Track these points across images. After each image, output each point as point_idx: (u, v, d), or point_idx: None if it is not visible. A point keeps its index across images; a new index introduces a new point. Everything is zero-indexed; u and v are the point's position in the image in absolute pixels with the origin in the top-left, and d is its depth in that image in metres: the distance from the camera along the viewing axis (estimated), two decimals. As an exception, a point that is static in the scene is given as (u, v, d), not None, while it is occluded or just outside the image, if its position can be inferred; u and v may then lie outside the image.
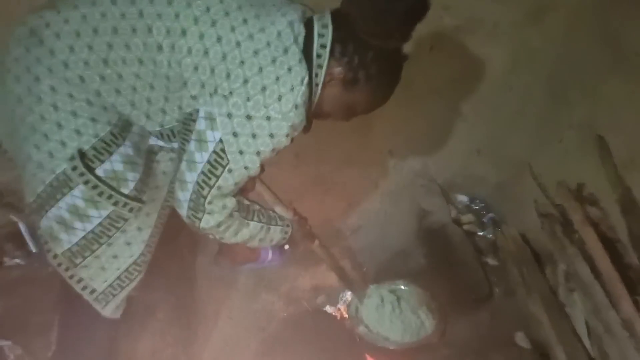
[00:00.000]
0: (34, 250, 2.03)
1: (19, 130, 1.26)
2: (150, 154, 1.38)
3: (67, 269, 1.35)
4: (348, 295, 2.19)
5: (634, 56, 1.83)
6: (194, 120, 1.24)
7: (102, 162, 1.25)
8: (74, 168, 1.22)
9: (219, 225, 1.35)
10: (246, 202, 1.43)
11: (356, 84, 1.30)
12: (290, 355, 1.83)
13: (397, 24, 1.21)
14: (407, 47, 1.93)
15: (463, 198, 2.58)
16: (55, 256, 1.33)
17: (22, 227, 2.07)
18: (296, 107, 1.22)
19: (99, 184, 1.24)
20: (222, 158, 1.24)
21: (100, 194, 1.25)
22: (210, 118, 1.22)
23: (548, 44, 2.21)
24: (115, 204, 1.27)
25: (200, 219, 1.32)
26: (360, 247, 2.38)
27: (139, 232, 1.37)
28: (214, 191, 1.28)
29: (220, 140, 1.23)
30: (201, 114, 1.23)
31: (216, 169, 1.25)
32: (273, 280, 2.21)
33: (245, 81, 1.19)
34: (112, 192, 1.26)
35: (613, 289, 1.67)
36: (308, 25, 1.26)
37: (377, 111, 1.88)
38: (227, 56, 1.20)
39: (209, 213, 1.31)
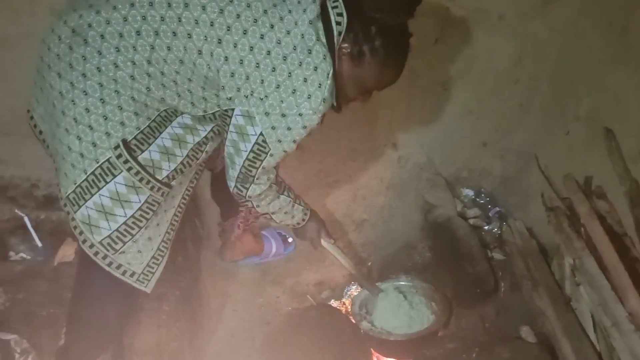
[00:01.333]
0: (39, 245, 2.03)
1: (59, 124, 1.34)
2: (201, 144, 1.49)
3: (104, 257, 1.41)
4: (353, 289, 2.19)
5: (641, 48, 1.82)
6: (230, 117, 1.39)
7: (143, 151, 1.36)
8: (119, 156, 1.32)
9: (260, 194, 1.52)
10: (279, 178, 1.60)
11: (362, 58, 1.37)
12: (294, 349, 1.83)
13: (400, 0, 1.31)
14: (412, 40, 1.92)
15: (469, 192, 2.57)
16: (91, 246, 1.39)
17: (27, 221, 2.07)
18: (324, 100, 1.35)
19: (140, 170, 1.34)
20: (264, 147, 1.40)
21: (141, 180, 1.35)
22: (249, 116, 1.37)
23: (554, 35, 2.19)
24: (152, 188, 1.38)
25: (247, 189, 1.50)
26: (365, 240, 2.38)
27: (165, 213, 1.48)
28: (260, 170, 1.45)
29: (261, 134, 1.38)
30: (237, 112, 1.38)
31: (260, 155, 1.42)
32: (278, 274, 2.22)
33: (278, 86, 1.34)
34: (150, 178, 1.36)
35: (620, 282, 1.66)
36: (323, 9, 1.34)
37: (382, 103, 1.86)
38: (260, 64, 1.33)
39: (256, 184, 1.49)
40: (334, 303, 2.15)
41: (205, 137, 1.49)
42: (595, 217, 1.83)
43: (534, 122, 2.39)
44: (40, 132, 1.47)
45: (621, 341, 1.60)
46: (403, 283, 2.06)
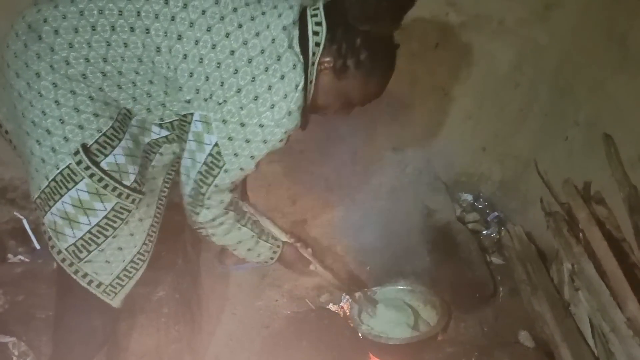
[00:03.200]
0: (37, 247, 2.03)
1: (21, 126, 1.27)
2: (153, 147, 1.40)
3: (71, 265, 1.35)
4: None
5: (641, 54, 1.82)
6: (189, 123, 1.28)
7: (106, 155, 1.26)
8: (79, 162, 1.23)
9: (214, 219, 1.41)
10: (245, 208, 1.50)
11: (346, 71, 1.29)
12: (293, 353, 1.83)
13: (386, 8, 1.20)
14: (412, 45, 1.93)
15: (468, 196, 2.58)
16: (59, 252, 1.34)
17: (26, 224, 2.07)
18: (289, 113, 1.25)
19: (104, 176, 1.25)
20: (218, 160, 1.29)
21: (106, 187, 1.26)
22: (206, 122, 1.26)
23: (554, 41, 2.20)
24: (119, 195, 1.28)
25: (198, 213, 1.39)
26: (364, 245, 2.37)
27: (140, 222, 1.38)
28: (211, 188, 1.34)
29: (216, 144, 1.27)
30: (196, 117, 1.27)
31: (212, 169, 1.31)
32: (277, 277, 2.21)
33: (239, 90, 1.22)
34: (116, 185, 1.27)
35: (618, 288, 1.65)
36: (302, 17, 1.26)
37: (382, 108, 1.85)
38: (222, 64, 1.21)
39: (207, 207, 1.38)
40: (332, 307, 2.15)
41: (157, 139, 1.39)
42: (594, 222, 1.83)
43: (533, 127, 2.40)
44: (7, 132, 1.38)
45: (619, 347, 1.59)
46: (402, 287, 2.07)
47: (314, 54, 1.26)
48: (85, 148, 1.24)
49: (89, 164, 1.23)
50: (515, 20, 2.17)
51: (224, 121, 1.24)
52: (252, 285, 2.19)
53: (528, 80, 2.31)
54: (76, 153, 1.23)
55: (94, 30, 1.21)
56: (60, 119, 1.23)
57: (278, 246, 1.65)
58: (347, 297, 2.15)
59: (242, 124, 1.24)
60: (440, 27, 2.16)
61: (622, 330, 1.60)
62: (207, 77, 1.23)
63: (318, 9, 1.26)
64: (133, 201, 1.32)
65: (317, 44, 1.25)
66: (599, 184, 1.98)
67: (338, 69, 1.28)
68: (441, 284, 2.09)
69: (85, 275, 1.36)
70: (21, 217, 2.08)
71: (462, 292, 2.07)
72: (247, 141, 1.26)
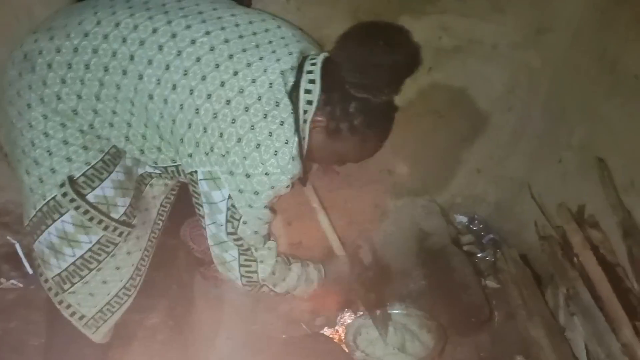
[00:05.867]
0: (30, 272, 2.01)
1: (14, 152, 1.27)
2: (144, 178, 1.38)
3: (56, 294, 1.35)
4: (346, 317, 2.18)
5: (633, 79, 1.84)
6: (197, 182, 1.23)
7: (93, 188, 1.24)
8: (65, 194, 1.22)
9: (273, 272, 1.36)
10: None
11: (339, 133, 1.24)
12: (288, 379, 1.81)
13: (385, 79, 1.16)
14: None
15: (463, 218, 2.58)
16: (46, 280, 1.34)
17: (19, 248, 2.05)
18: (293, 158, 1.20)
19: (90, 209, 1.24)
20: (235, 212, 1.24)
21: (91, 219, 1.25)
22: (212, 177, 1.20)
23: (547, 65, 2.22)
24: (106, 228, 1.27)
25: (256, 271, 1.34)
26: (359, 268, 2.36)
27: (128, 256, 1.36)
28: (252, 237, 1.29)
29: (230, 197, 1.21)
30: (200, 176, 1.22)
31: (235, 227, 1.26)
32: (272, 301, 2.20)
33: (239, 139, 1.17)
34: (103, 217, 1.25)
35: (613, 313, 1.65)
36: (301, 65, 1.22)
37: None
38: (218, 115, 1.16)
39: (261, 261, 1.33)
40: (327, 331, 2.14)
41: (150, 173, 1.37)
42: (589, 246, 1.84)
43: (527, 149, 2.41)
44: (6, 155, 1.37)
45: (615, 373, 1.59)
46: (397, 312, 2.05)
47: (305, 111, 1.21)
48: (72, 180, 1.22)
49: (74, 196, 1.22)
50: (508, 44, 2.18)
51: (231, 173, 1.19)
52: (247, 309, 2.17)
53: (521, 103, 2.33)
54: (62, 185, 1.22)
55: (87, 68, 1.19)
56: (48, 151, 1.21)
57: (318, 264, 1.58)
58: (342, 317, 2.14)
59: (248, 175, 1.19)
60: (433, 51, 2.18)
61: (617, 356, 1.59)
62: (205, 128, 1.17)
63: (315, 64, 1.21)
64: (120, 234, 1.30)
65: (309, 102, 1.20)
66: (593, 208, 1.99)
67: (330, 130, 1.24)
68: (437, 307, 2.08)
69: (69, 306, 1.35)
70: (14, 241, 2.07)
71: (458, 316, 2.06)
72: (256, 193, 1.21)
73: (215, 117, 1.17)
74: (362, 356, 1.90)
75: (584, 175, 2.04)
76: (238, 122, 1.16)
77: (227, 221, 1.25)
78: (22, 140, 1.23)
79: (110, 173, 1.26)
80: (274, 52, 1.21)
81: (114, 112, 1.22)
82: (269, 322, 2.14)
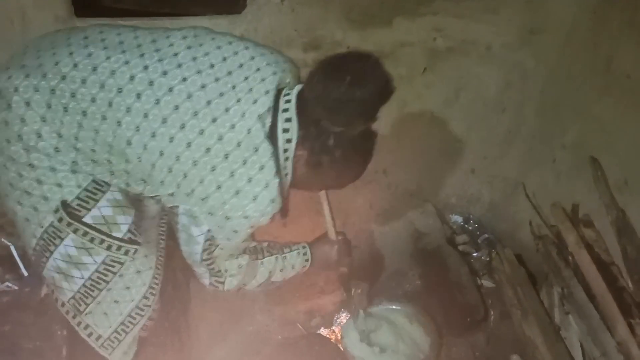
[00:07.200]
0: (25, 274, 2.00)
1: (0, 186, 1.25)
2: (139, 200, 1.37)
3: (74, 317, 1.35)
4: (343, 317, 2.18)
5: (625, 78, 1.85)
6: (177, 214, 1.26)
7: (89, 209, 1.23)
8: (60, 219, 1.22)
9: (239, 283, 1.42)
10: (253, 244, 1.46)
11: (320, 166, 1.26)
12: (284, 380, 1.81)
13: (357, 112, 1.16)
14: (400, 69, 1.94)
15: (457, 218, 2.59)
16: (62, 304, 1.34)
17: (14, 250, 2.05)
18: (272, 201, 1.22)
19: (89, 230, 1.23)
20: (213, 243, 1.28)
21: (92, 240, 1.24)
22: (192, 215, 1.23)
23: (540, 65, 2.23)
24: (109, 248, 1.26)
25: (223, 283, 1.40)
26: (355, 268, 2.36)
27: (137, 275, 1.36)
28: (225, 263, 1.35)
29: (209, 230, 1.24)
30: (181, 210, 1.24)
31: (212, 252, 1.30)
32: (268, 302, 2.20)
33: (219, 187, 1.18)
34: (104, 237, 1.25)
35: (608, 312, 1.66)
36: (275, 109, 1.21)
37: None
38: (198, 162, 1.17)
39: (230, 276, 1.39)
40: (323, 331, 2.14)
41: (139, 196, 1.34)
42: (583, 245, 1.85)
43: (521, 149, 2.42)
44: None
45: (611, 371, 1.60)
46: (395, 307, 2.05)
47: (285, 150, 1.22)
48: (65, 204, 1.21)
49: (70, 220, 1.21)
50: (502, 45, 2.19)
51: (210, 213, 1.21)
52: (243, 310, 2.17)
53: (515, 104, 2.34)
54: (56, 211, 1.21)
55: (65, 111, 1.17)
56: (37, 180, 1.20)
57: (304, 247, 1.60)
58: (339, 317, 2.14)
59: (227, 218, 1.21)
60: (428, 52, 2.18)
61: (612, 355, 1.60)
62: (185, 174, 1.18)
63: (290, 101, 1.22)
64: (126, 252, 1.29)
65: (289, 140, 1.21)
66: (587, 207, 2.00)
67: (312, 163, 1.26)
68: (432, 307, 2.08)
69: (86, 327, 1.36)
70: (9, 243, 2.06)
71: (453, 316, 2.07)
72: (235, 231, 1.24)
73: (195, 165, 1.17)
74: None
75: (578, 175, 2.05)
76: (218, 170, 1.17)
77: (203, 250, 1.29)
78: (7, 173, 1.21)
79: (104, 193, 1.25)
80: (250, 90, 1.20)
81: (94, 151, 1.21)
82: (265, 323, 2.14)
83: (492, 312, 2.15)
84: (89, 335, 1.36)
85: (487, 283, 2.28)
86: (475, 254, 2.43)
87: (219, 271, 1.36)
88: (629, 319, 1.62)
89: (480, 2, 2.10)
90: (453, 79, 2.27)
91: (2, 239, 2.07)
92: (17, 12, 1.75)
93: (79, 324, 1.35)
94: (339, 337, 2.04)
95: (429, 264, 2.25)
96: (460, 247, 2.43)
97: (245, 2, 1.92)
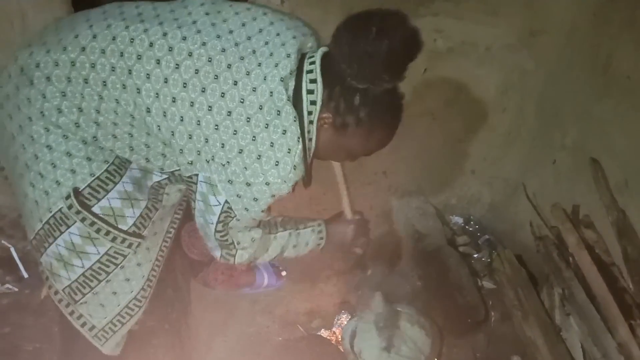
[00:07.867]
0: (25, 276, 2.00)
1: (14, 167, 1.26)
2: (158, 188, 1.37)
3: (67, 305, 1.35)
4: (343, 318, 2.17)
5: (625, 79, 1.85)
6: (195, 183, 1.25)
7: (99, 199, 1.24)
8: (70, 206, 1.22)
9: (250, 256, 1.40)
10: (267, 218, 1.43)
11: (346, 128, 1.23)
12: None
13: (383, 66, 1.13)
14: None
15: (458, 219, 2.59)
16: (56, 292, 1.34)
17: (14, 252, 2.04)
18: (295, 167, 1.20)
19: (96, 220, 1.23)
20: (230, 213, 1.26)
21: (98, 231, 1.24)
22: (211, 184, 1.22)
23: (540, 66, 2.23)
24: (113, 240, 1.27)
25: (234, 256, 1.37)
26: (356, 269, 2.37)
27: (138, 267, 1.36)
28: (238, 235, 1.33)
29: (226, 201, 1.23)
30: (201, 178, 1.23)
31: (227, 224, 1.28)
32: (268, 303, 2.20)
33: (241, 151, 1.17)
34: (110, 229, 1.25)
35: (608, 313, 1.66)
36: (300, 65, 1.20)
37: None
38: (220, 126, 1.16)
39: (242, 249, 1.36)
40: (324, 332, 2.14)
41: (160, 181, 1.36)
42: (584, 246, 1.85)
43: (521, 150, 2.42)
44: (2, 169, 1.37)
45: (612, 373, 1.60)
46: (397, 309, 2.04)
47: (310, 112, 1.20)
48: (77, 192, 1.22)
49: (80, 208, 1.21)
50: (502, 46, 2.19)
51: (230, 182, 1.20)
52: (243, 312, 2.17)
53: (515, 105, 2.34)
54: (67, 197, 1.22)
55: (86, 83, 1.18)
56: (52, 163, 1.21)
57: (319, 224, 1.57)
58: (339, 318, 2.14)
59: (248, 184, 1.20)
60: (428, 53, 2.18)
61: (613, 356, 1.60)
62: (206, 139, 1.18)
63: (314, 62, 1.20)
64: (130, 245, 1.30)
65: (313, 102, 1.19)
66: (588, 208, 2.00)
67: (338, 126, 1.23)
68: (433, 309, 2.08)
69: (80, 316, 1.36)
70: (9, 245, 2.06)
71: (454, 317, 2.07)
72: (256, 199, 1.22)
73: (217, 129, 1.17)
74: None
75: (578, 176, 2.05)
76: (240, 134, 1.16)
77: (219, 222, 1.27)
78: (24, 154, 1.22)
79: (115, 184, 1.25)
80: (271, 55, 1.18)
81: (115, 124, 1.22)
82: (266, 324, 2.14)
83: (492, 313, 2.15)
84: (82, 325, 1.36)
85: (487, 284, 2.28)
86: (475, 255, 2.43)
87: (231, 243, 1.33)
88: (629, 320, 1.62)
89: (480, 3, 2.10)
90: (453, 80, 2.27)
91: (2, 241, 2.07)
92: (17, 13, 1.75)
93: (71, 313, 1.35)
94: (340, 339, 2.04)
95: (429, 265, 2.25)
96: (461, 248, 2.43)
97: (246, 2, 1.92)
